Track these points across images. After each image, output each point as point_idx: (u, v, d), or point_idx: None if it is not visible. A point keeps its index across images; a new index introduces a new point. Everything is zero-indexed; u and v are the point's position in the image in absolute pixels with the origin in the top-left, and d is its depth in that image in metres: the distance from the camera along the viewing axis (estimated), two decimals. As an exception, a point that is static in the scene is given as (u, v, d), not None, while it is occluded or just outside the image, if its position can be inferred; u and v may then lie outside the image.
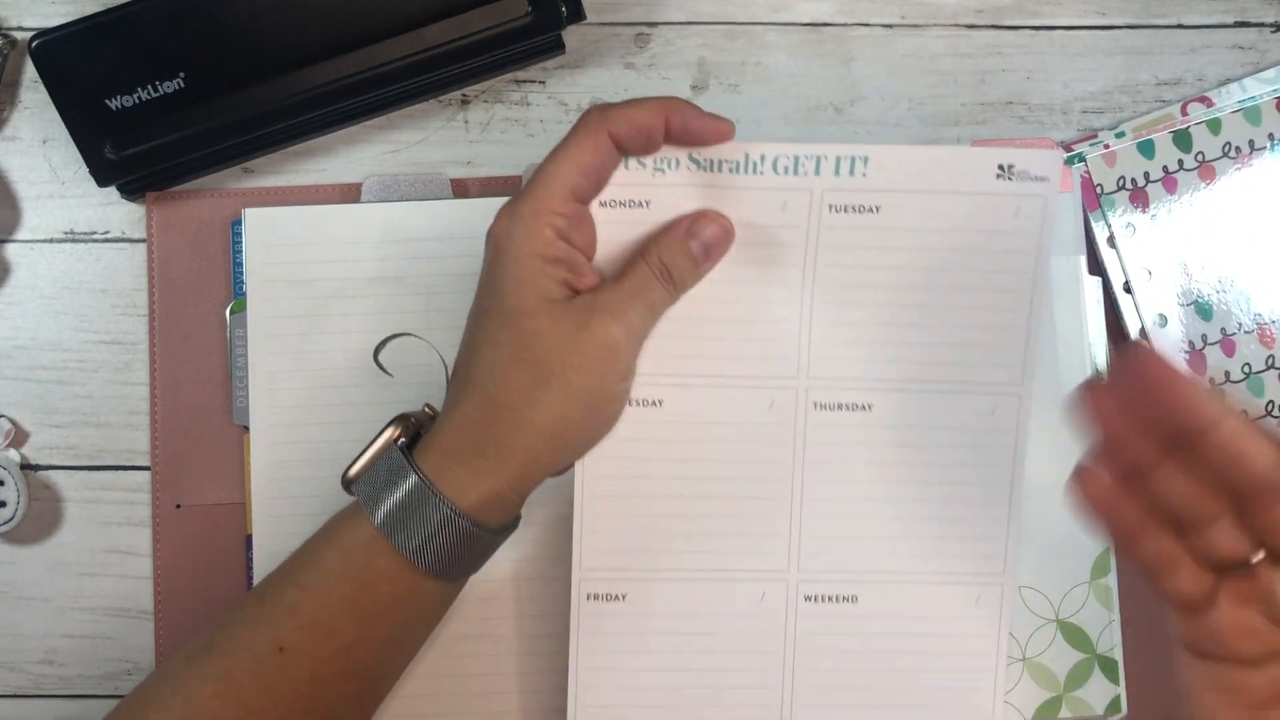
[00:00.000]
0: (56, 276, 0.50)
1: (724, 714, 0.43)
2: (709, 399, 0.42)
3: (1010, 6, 0.51)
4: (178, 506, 0.49)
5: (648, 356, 0.41)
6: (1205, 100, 0.50)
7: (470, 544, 0.38)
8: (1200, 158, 0.49)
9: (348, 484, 0.40)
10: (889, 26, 0.51)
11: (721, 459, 0.42)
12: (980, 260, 0.42)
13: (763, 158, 0.40)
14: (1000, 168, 0.41)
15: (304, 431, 0.48)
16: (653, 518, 0.42)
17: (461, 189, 0.50)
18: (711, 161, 0.40)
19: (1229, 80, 0.50)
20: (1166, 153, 0.49)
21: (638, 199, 0.40)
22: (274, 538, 0.47)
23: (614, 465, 0.42)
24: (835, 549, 0.42)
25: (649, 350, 0.40)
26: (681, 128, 0.38)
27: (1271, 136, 0.49)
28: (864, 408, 0.42)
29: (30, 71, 0.50)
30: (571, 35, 0.50)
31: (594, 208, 0.40)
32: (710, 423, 0.42)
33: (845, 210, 0.41)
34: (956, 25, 0.51)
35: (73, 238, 0.50)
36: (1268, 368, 0.49)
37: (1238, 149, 0.49)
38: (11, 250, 0.50)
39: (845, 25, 0.51)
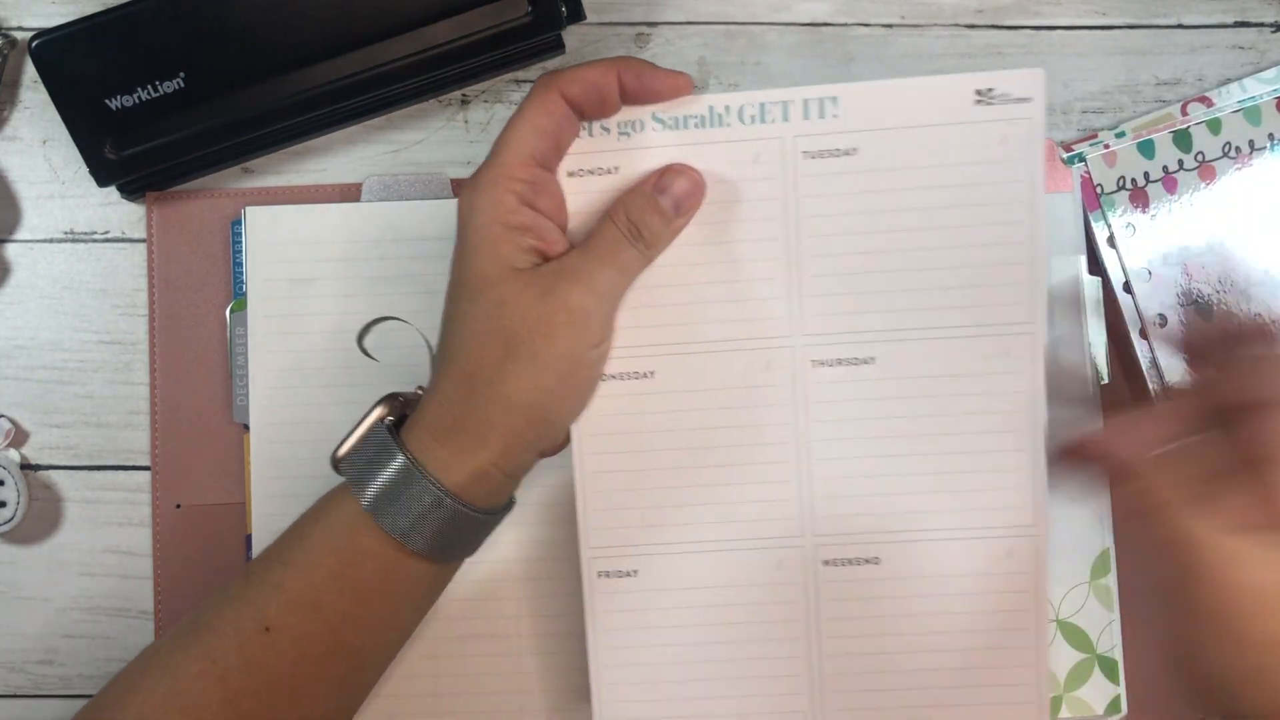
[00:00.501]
0: (56, 276, 0.50)
1: (750, 685, 0.41)
2: (701, 366, 0.40)
3: (1010, 6, 0.51)
4: (178, 506, 0.49)
5: (634, 328, 0.40)
6: (1205, 100, 0.50)
7: (458, 525, 0.38)
8: (1200, 158, 0.49)
9: (336, 464, 0.39)
10: (889, 26, 0.51)
11: (720, 426, 0.41)
12: (970, 194, 0.39)
13: (728, 109, 0.39)
14: (978, 93, 0.39)
15: (304, 431, 0.48)
16: (655, 490, 0.41)
17: (461, 189, 0.50)
18: (676, 119, 0.39)
19: (1229, 80, 0.50)
20: (1166, 153, 0.49)
21: (605, 165, 0.39)
22: (274, 537, 0.47)
23: (610, 441, 0.41)
24: (850, 510, 0.41)
25: (635, 321, 0.40)
26: (636, 84, 0.38)
27: (1271, 136, 0.49)
28: (866, 361, 0.40)
29: (30, 71, 0.50)
30: (571, 35, 0.50)
31: (563, 179, 0.39)
32: (705, 390, 0.41)
33: (820, 155, 0.39)
34: (956, 25, 0.51)
35: (73, 238, 0.50)
36: (1268, 368, 0.49)
37: (1238, 149, 0.49)
38: (11, 250, 0.50)
39: (845, 25, 0.51)
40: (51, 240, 0.50)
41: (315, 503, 0.39)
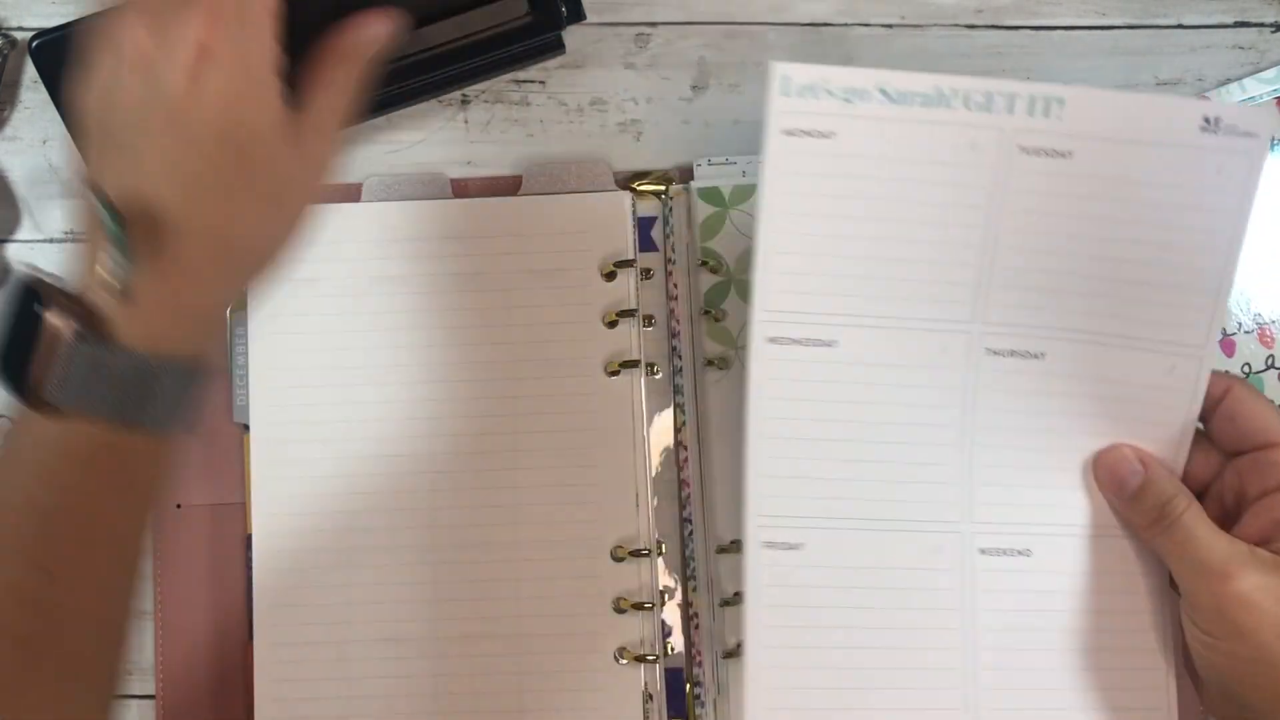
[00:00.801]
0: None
1: (907, 668, 0.42)
2: (881, 340, 0.40)
3: (1010, 6, 0.51)
4: (178, 506, 0.49)
5: (821, 294, 0.40)
6: (1205, 100, 0.50)
7: (95, 365, 0.35)
8: (1200, 158, 0.49)
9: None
10: (889, 26, 0.51)
11: (892, 403, 0.41)
12: (1175, 216, 0.40)
13: (955, 91, 0.39)
14: (1206, 120, 0.39)
15: (304, 431, 0.48)
16: (826, 462, 0.41)
17: (461, 189, 0.50)
18: (903, 93, 0.39)
19: (1229, 80, 0.50)
20: (1166, 153, 0.49)
21: (823, 129, 0.39)
22: (274, 537, 0.47)
23: (786, 406, 0.41)
24: (1006, 500, 0.41)
25: (823, 288, 0.40)
26: None
27: (1272, 137, 0.49)
28: (1037, 355, 0.41)
29: (30, 71, 0.50)
30: (571, 35, 0.50)
31: (775, 135, 0.39)
32: (882, 365, 0.41)
33: (1036, 153, 0.39)
34: (956, 25, 0.51)
35: (73, 238, 0.50)
36: (1267, 368, 0.49)
37: (1238, 149, 0.49)
38: (12, 250, 0.50)
39: (845, 25, 0.51)
40: (51, 240, 0.50)
41: None
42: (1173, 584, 0.41)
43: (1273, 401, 0.42)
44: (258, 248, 0.39)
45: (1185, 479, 0.41)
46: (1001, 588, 0.41)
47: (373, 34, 0.40)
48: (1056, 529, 0.42)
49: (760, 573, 0.41)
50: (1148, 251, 0.40)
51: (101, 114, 0.37)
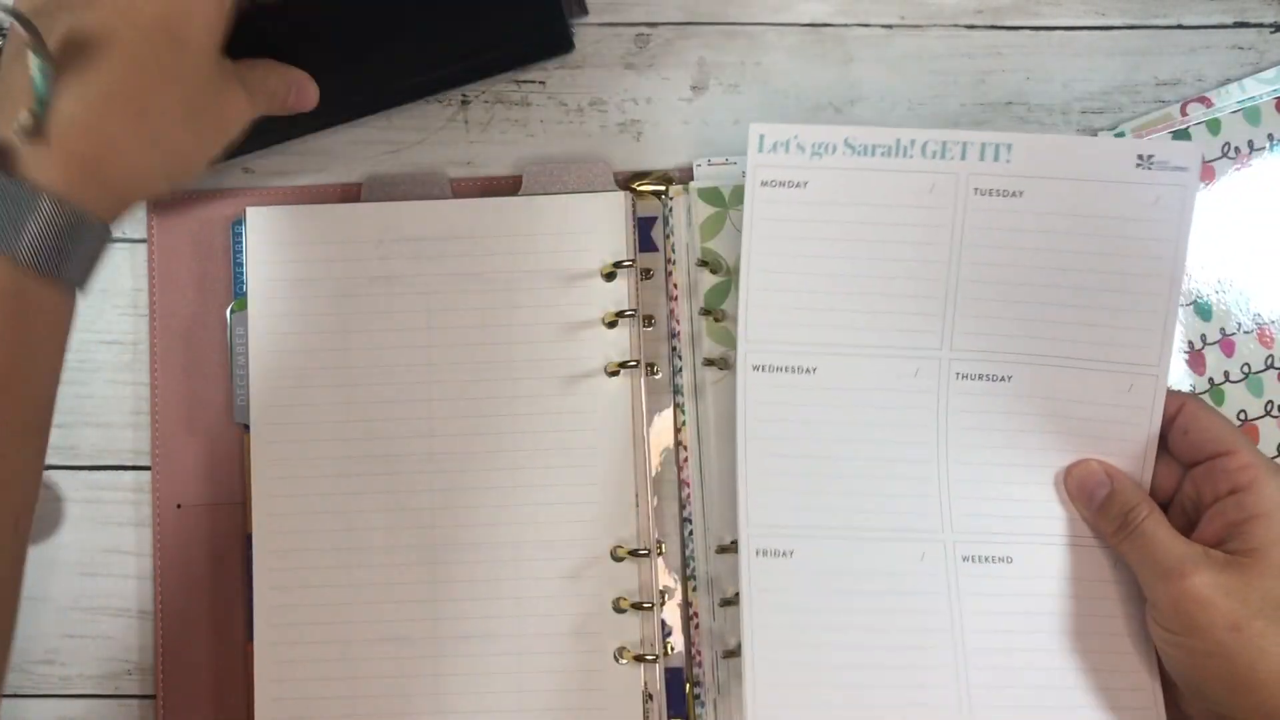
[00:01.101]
0: (57, 276, 0.50)
1: (899, 670, 0.44)
2: (857, 367, 0.45)
3: (1010, 6, 0.51)
4: (178, 506, 0.49)
5: (803, 326, 0.45)
6: (1204, 100, 0.50)
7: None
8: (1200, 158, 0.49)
9: None
10: (889, 26, 0.51)
11: (871, 423, 0.45)
12: (1120, 245, 0.44)
13: (913, 142, 0.44)
14: (1140, 157, 0.44)
15: (304, 431, 0.48)
16: (813, 476, 0.45)
17: (461, 189, 0.50)
18: (866, 146, 0.44)
19: (1228, 80, 0.50)
20: (1166, 153, 0.49)
21: (797, 179, 0.44)
22: (274, 537, 0.47)
23: (774, 427, 0.45)
24: (985, 511, 0.45)
25: (804, 321, 0.45)
26: None
27: (1271, 137, 0.49)
28: (1004, 379, 0.45)
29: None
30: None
31: (756, 187, 0.45)
32: (859, 389, 0.45)
33: (990, 194, 0.44)
34: (956, 25, 0.51)
35: None
36: (1267, 368, 0.49)
37: (1237, 149, 0.49)
38: (11, 250, 0.50)
39: (845, 25, 0.51)
40: (51, 240, 0.50)
41: None
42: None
43: (1223, 414, 0.45)
44: (168, 146, 0.39)
45: (1152, 491, 0.44)
46: (986, 592, 0.44)
47: (298, 98, 0.45)
48: (1035, 538, 0.45)
49: (755, 579, 0.44)
50: (1098, 279, 0.44)
51: None
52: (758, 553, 0.44)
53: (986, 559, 0.44)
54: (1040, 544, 0.44)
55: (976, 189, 0.44)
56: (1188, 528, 0.42)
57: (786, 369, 0.45)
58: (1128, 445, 0.44)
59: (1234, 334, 0.49)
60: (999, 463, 0.45)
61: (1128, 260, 0.44)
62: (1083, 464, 0.44)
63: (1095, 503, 0.44)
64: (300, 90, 0.45)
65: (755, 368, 0.45)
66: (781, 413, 0.45)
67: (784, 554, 0.44)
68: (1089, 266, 0.44)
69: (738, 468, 0.45)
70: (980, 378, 0.45)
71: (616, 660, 0.46)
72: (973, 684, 0.44)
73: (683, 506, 0.48)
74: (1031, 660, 0.44)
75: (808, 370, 0.45)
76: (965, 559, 0.44)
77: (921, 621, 0.44)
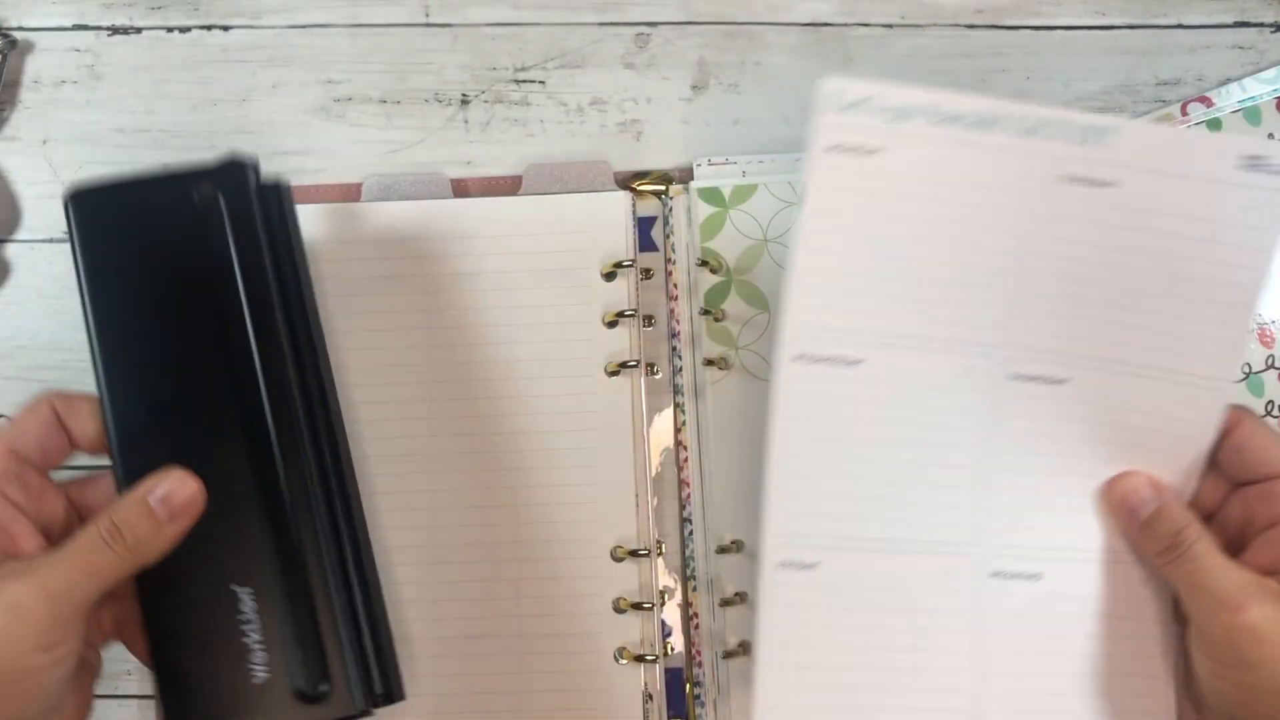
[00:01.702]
0: (57, 276, 0.50)
1: (914, 691, 0.41)
2: (906, 361, 0.40)
3: (1010, 6, 0.51)
4: (178, 506, 0.48)
5: (849, 313, 0.40)
6: (1205, 100, 0.50)
7: None
8: (1200, 158, 0.49)
9: None
10: (889, 26, 0.51)
11: (913, 423, 0.41)
12: (1208, 250, 0.40)
13: (1005, 116, 0.39)
14: (1248, 157, 0.40)
15: (304, 431, 0.47)
16: (846, 481, 0.41)
17: (461, 189, 0.50)
18: (953, 116, 0.39)
19: (1229, 80, 0.50)
20: (1166, 153, 0.49)
21: (870, 144, 0.39)
22: (274, 538, 0.47)
23: (810, 425, 0.41)
24: (1019, 523, 0.41)
25: (851, 306, 0.40)
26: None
27: (1271, 136, 0.49)
28: (1061, 381, 0.41)
29: (30, 71, 0.50)
30: (572, 34, 0.50)
31: (819, 152, 0.39)
32: (905, 386, 0.41)
33: (1079, 182, 0.40)
34: (956, 25, 0.51)
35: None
36: (1268, 367, 0.49)
37: (1238, 149, 0.49)
38: (11, 250, 0.50)
39: (845, 25, 0.51)
40: (52, 240, 0.50)
41: None
42: (1178, 611, 0.41)
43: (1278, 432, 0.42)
44: None
45: (1193, 505, 0.41)
46: (1012, 610, 0.41)
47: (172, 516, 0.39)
48: (1068, 553, 0.42)
49: (774, 591, 0.41)
50: (1175, 284, 0.40)
51: None
52: (780, 564, 0.41)
53: (1016, 575, 0.41)
54: (1073, 560, 0.41)
55: (1065, 175, 0.39)
56: (1230, 548, 0.40)
57: (830, 359, 0.40)
58: (1176, 459, 0.41)
59: (1234, 334, 0.49)
60: (1040, 470, 0.41)
61: (1210, 267, 0.40)
62: (1127, 477, 0.41)
63: (1139, 519, 0.40)
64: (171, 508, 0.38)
65: (796, 357, 0.40)
66: (820, 410, 0.40)
67: (808, 566, 0.41)
68: (1168, 270, 0.40)
69: (768, 471, 0.40)
70: (1035, 379, 0.41)
71: (616, 660, 0.46)
72: (989, 707, 0.41)
73: (683, 506, 0.48)
74: (1051, 683, 0.41)
75: (853, 362, 0.40)
76: (994, 575, 0.41)
77: (942, 641, 0.41)
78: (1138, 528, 0.41)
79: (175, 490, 0.38)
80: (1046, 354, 0.41)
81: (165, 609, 0.40)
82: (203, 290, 0.41)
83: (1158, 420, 0.41)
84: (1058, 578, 0.41)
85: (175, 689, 0.40)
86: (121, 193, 0.41)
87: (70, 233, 0.40)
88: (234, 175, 0.41)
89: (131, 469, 0.39)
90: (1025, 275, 0.40)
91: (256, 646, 0.39)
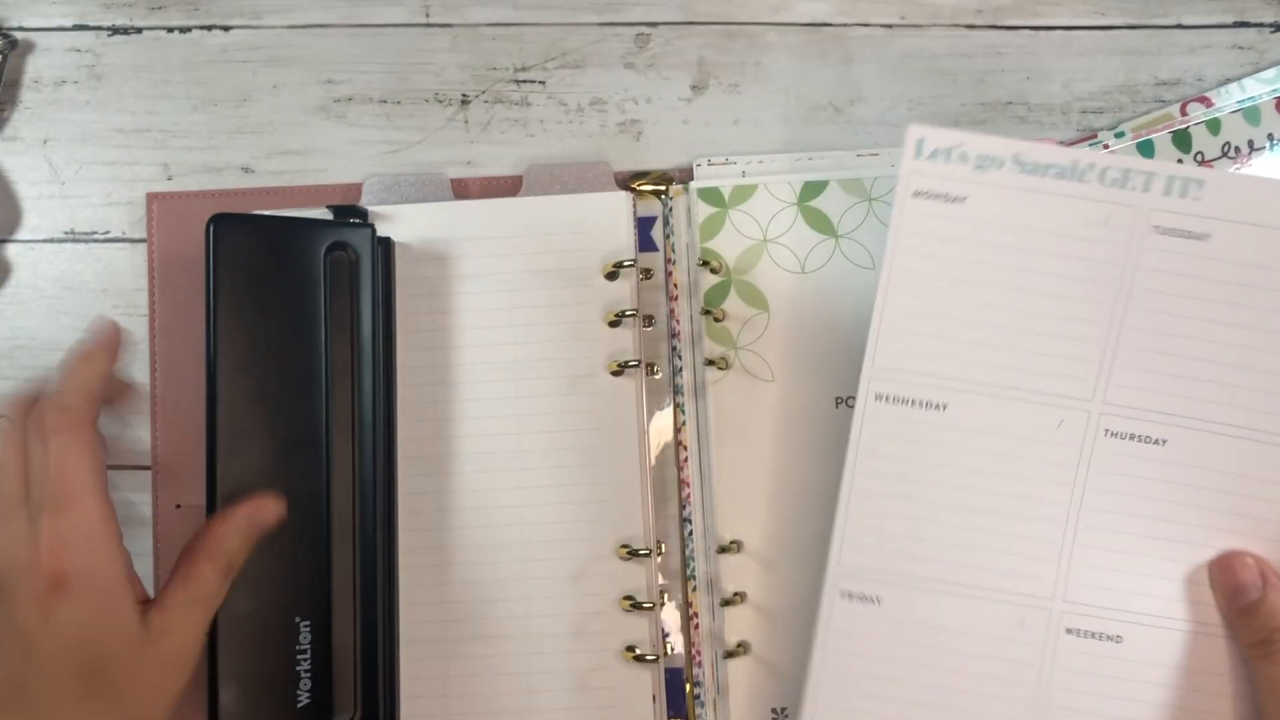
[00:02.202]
0: (57, 276, 0.50)
1: None
2: (995, 409, 0.40)
3: (1010, 6, 0.51)
4: (178, 506, 0.49)
5: (937, 358, 0.40)
6: (1205, 100, 0.50)
7: None
8: (1199, 158, 0.49)
9: None
10: (889, 26, 0.51)
11: (999, 474, 0.41)
12: None
13: (1091, 166, 0.39)
14: None
15: (304, 431, 0.48)
16: (919, 522, 0.41)
17: (462, 189, 0.50)
18: (1038, 165, 0.39)
19: (1228, 80, 0.50)
20: (1166, 153, 0.49)
21: (955, 193, 0.40)
22: (274, 538, 0.47)
23: (887, 463, 0.41)
24: (1105, 584, 0.41)
25: (938, 351, 0.40)
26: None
27: (1271, 136, 0.49)
28: (1158, 442, 0.40)
29: (30, 71, 0.50)
30: (572, 34, 0.50)
31: (907, 198, 0.40)
32: (994, 434, 0.41)
33: (1171, 234, 0.39)
34: (956, 25, 0.51)
35: (73, 238, 0.50)
36: (1267, 367, 0.49)
37: (1237, 149, 0.49)
38: (12, 250, 0.50)
39: (845, 25, 0.51)
40: (52, 240, 0.50)
41: None
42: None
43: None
44: None
45: None
46: (1083, 670, 0.41)
47: (245, 524, 0.41)
48: (1154, 619, 0.41)
49: (833, 620, 0.41)
50: (1272, 340, 0.39)
51: None
52: (842, 594, 0.41)
53: (1094, 635, 0.40)
54: (1158, 627, 0.40)
55: (1157, 226, 0.39)
56: None
57: (914, 403, 0.41)
58: (1278, 529, 0.40)
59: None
60: (1135, 532, 0.40)
61: None
62: (1235, 556, 0.39)
63: (1240, 603, 0.39)
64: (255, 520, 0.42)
65: (879, 397, 0.41)
66: (900, 451, 0.41)
67: (871, 599, 0.41)
68: (1266, 325, 0.39)
69: (839, 503, 0.41)
70: (1132, 438, 0.40)
71: (622, 660, 0.46)
72: None
73: (682, 506, 0.48)
74: None
75: (938, 406, 0.40)
76: (1069, 631, 0.40)
77: (1002, 691, 0.40)
78: (1236, 611, 0.39)
79: (267, 524, 0.41)
80: (1144, 412, 0.40)
81: (235, 627, 0.42)
82: (314, 329, 0.44)
83: (1260, 486, 0.40)
84: (1138, 643, 0.40)
85: (231, 701, 0.42)
86: (258, 227, 0.45)
87: (207, 253, 0.43)
88: (361, 228, 0.46)
89: (227, 482, 0.42)
90: (1120, 328, 0.40)
91: (305, 674, 0.42)
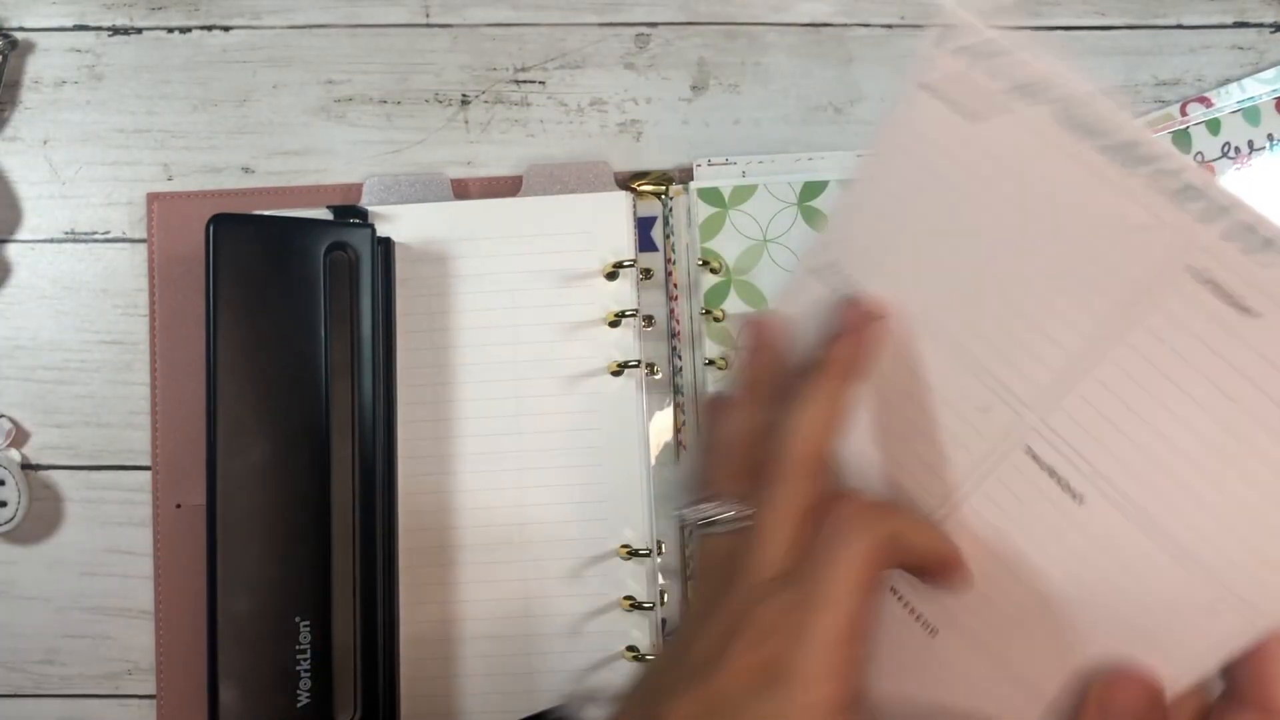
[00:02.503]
0: (57, 276, 0.50)
1: None
2: (927, 352, 0.33)
3: (1010, 7, 0.51)
4: (178, 506, 0.49)
5: (892, 274, 0.33)
6: (1204, 100, 0.50)
7: None
8: (1199, 158, 0.49)
9: None
10: (889, 27, 0.51)
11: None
12: None
13: (1148, 160, 0.29)
14: None
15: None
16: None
17: (462, 189, 0.50)
18: (1084, 125, 0.30)
19: (1228, 80, 0.50)
20: (1166, 153, 0.49)
21: (973, 109, 0.31)
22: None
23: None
24: (1100, 434, 0.30)
25: (893, 266, 0.33)
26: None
27: (1270, 137, 0.49)
28: (1074, 496, 0.31)
29: (30, 71, 0.50)
30: (572, 35, 0.50)
31: (914, 85, 0.32)
32: (918, 374, 0.33)
33: (1210, 286, 0.28)
34: (956, 25, 0.51)
35: (73, 238, 0.50)
36: (1267, 368, 0.49)
37: (1237, 149, 0.49)
38: (12, 250, 0.50)
39: (845, 25, 0.51)
40: (52, 240, 0.50)
41: None
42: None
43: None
44: None
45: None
46: (1017, 498, 0.32)
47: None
48: (1122, 499, 0.30)
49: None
50: None
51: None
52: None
53: (1053, 474, 0.31)
54: (1125, 516, 0.30)
55: (1200, 270, 0.28)
56: None
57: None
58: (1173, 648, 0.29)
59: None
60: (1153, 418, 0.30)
61: None
62: (1119, 679, 0.29)
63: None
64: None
65: (810, 271, 0.34)
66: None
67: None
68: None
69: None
70: (1050, 473, 0.31)
71: (621, 660, 0.46)
72: None
73: (683, 506, 0.48)
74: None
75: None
76: (1028, 452, 0.31)
77: (959, 437, 0.33)
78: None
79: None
80: (1078, 457, 0.31)
81: (236, 626, 0.43)
82: (314, 329, 0.44)
83: (1154, 600, 0.30)
84: (1098, 516, 0.31)
85: (231, 700, 0.43)
86: (258, 227, 0.45)
87: (207, 253, 0.44)
88: (361, 228, 0.46)
89: (227, 482, 0.43)
90: (1101, 355, 0.31)
91: (305, 674, 0.43)
